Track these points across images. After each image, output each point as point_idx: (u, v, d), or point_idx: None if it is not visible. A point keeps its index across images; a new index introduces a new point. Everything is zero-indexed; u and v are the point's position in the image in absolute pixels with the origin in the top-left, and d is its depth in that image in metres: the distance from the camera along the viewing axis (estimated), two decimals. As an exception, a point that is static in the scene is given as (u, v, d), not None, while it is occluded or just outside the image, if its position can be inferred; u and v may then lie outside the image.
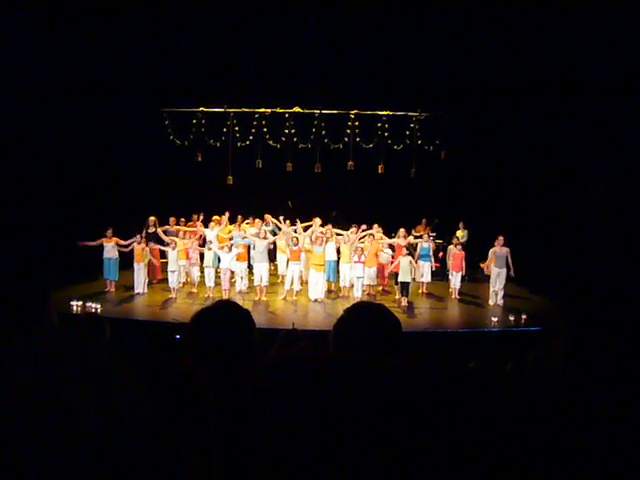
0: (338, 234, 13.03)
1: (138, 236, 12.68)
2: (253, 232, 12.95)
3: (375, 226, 13.83)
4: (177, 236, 13.15)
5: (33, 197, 11.46)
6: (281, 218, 13.31)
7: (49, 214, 11.78)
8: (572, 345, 1.30)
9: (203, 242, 13.50)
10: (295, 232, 12.82)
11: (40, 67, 11.03)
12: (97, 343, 0.87)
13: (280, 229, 13.39)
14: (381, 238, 13.16)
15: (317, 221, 13.37)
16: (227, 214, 13.59)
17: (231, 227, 14.00)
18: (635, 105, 10.30)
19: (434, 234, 14.66)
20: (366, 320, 1.92)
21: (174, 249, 12.46)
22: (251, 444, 1.08)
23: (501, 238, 12.36)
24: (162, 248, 12.93)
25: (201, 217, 14.14)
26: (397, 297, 12.63)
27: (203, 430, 1.18)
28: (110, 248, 12.54)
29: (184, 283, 13.17)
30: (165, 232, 13.47)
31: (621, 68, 10.25)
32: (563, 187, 12.70)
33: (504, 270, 12.31)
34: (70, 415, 0.71)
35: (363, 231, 12.95)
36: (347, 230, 13.78)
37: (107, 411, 0.76)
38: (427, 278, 13.34)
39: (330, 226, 13.22)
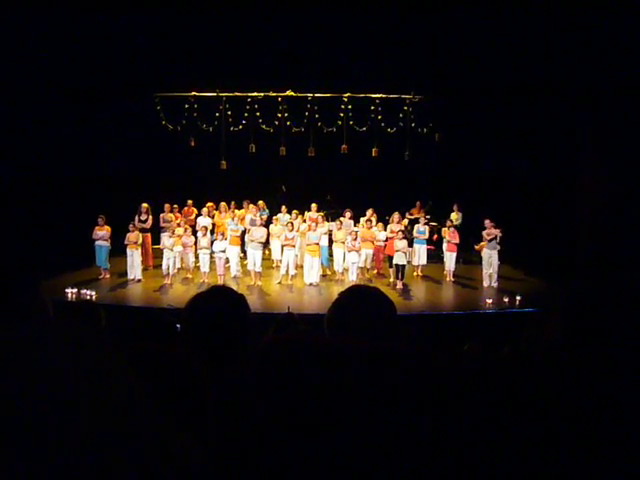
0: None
1: (131, 224, 12.69)
2: (249, 219, 13.01)
3: (369, 211, 13.87)
4: (172, 223, 13.25)
5: (22, 188, 11.40)
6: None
7: (38, 204, 11.74)
8: (566, 326, 1.31)
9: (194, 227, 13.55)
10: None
11: (29, 53, 10.91)
12: (92, 331, 0.86)
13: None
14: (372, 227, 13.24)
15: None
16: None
17: (242, 211, 14.14)
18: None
19: (428, 217, 14.68)
20: (361, 303, 1.93)
21: (171, 236, 12.50)
22: (248, 430, 1.08)
23: (487, 221, 12.43)
24: (164, 235, 12.97)
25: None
26: (392, 280, 12.67)
27: (200, 417, 1.19)
28: (102, 235, 12.51)
29: (179, 269, 13.17)
30: (163, 219, 13.63)
31: (620, 60, 10.23)
32: (557, 168, 12.69)
33: (495, 252, 12.38)
34: (66, 406, 0.71)
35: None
36: (341, 213, 13.89)
37: (103, 401, 0.76)
38: (423, 261, 13.40)
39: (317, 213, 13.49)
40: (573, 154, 12.51)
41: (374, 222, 13.48)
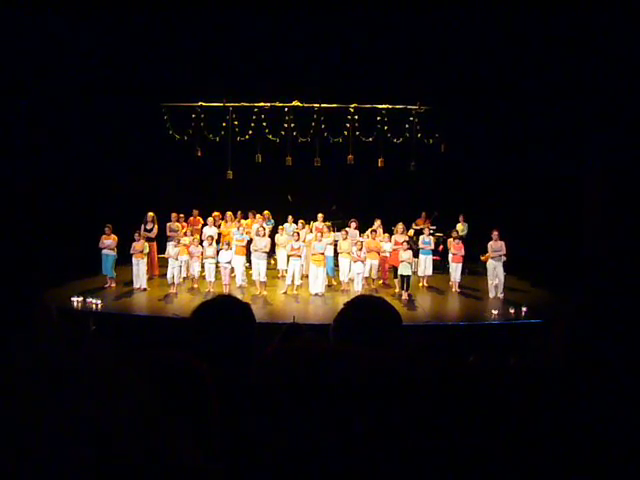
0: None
1: (137, 233, 12.72)
2: (255, 229, 13.04)
3: (377, 222, 13.87)
4: (179, 232, 13.34)
5: (29, 196, 11.46)
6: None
7: (44, 211, 11.80)
8: (571, 337, 1.30)
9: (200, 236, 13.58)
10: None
11: (40, 63, 11.00)
12: (98, 338, 0.87)
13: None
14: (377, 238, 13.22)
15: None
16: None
17: (248, 221, 14.17)
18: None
19: (434, 227, 14.67)
20: (366, 313, 1.92)
21: (177, 246, 12.53)
22: (254, 438, 1.08)
23: (495, 233, 12.39)
24: (170, 244, 12.99)
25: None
26: (397, 290, 12.64)
27: (204, 424, 1.19)
28: (108, 244, 12.54)
29: (184, 278, 13.18)
30: (169, 228, 13.69)
31: (621, 66, 10.24)
32: (562, 179, 12.68)
33: (500, 263, 12.33)
34: (70, 411, 0.71)
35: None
36: (346, 223, 13.89)
37: (108, 406, 0.76)
38: (428, 271, 13.37)
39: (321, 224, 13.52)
40: (580, 164, 12.49)
41: (380, 233, 13.49)
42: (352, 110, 14.56)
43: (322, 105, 14.48)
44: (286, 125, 14.58)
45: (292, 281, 12.44)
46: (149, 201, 14.20)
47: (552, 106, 12.27)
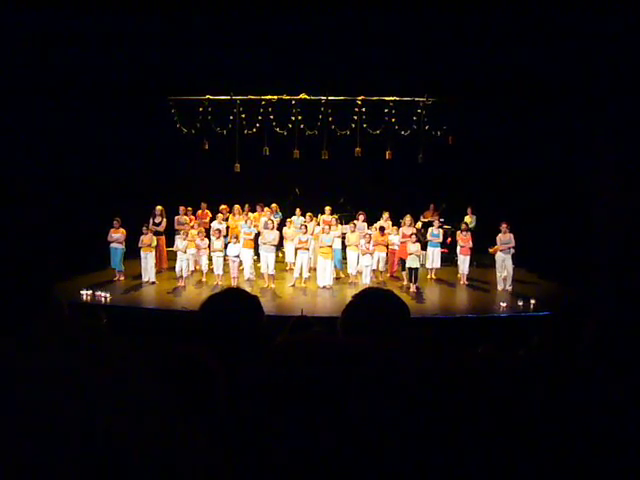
0: None
1: (145, 226, 12.78)
2: (263, 222, 13.05)
3: (385, 215, 13.85)
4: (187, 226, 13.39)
5: (35, 189, 11.49)
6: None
7: (53, 205, 11.82)
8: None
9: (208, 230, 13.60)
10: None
11: (44, 55, 11.02)
12: (108, 331, 0.87)
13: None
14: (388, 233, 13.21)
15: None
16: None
17: (256, 214, 14.17)
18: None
19: (442, 220, 14.63)
20: (374, 306, 1.93)
21: (185, 239, 12.56)
22: (262, 430, 1.09)
23: (505, 225, 12.35)
24: (178, 238, 13.01)
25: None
26: (405, 283, 12.64)
27: (213, 416, 1.19)
28: (117, 238, 12.59)
29: (193, 271, 13.22)
30: (177, 222, 13.75)
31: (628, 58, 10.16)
32: (572, 171, 12.59)
33: (509, 256, 12.30)
34: (82, 402, 0.71)
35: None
36: (354, 216, 13.87)
37: (119, 399, 0.76)
38: (436, 264, 13.35)
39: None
40: (590, 155, 12.39)
41: (389, 226, 13.47)
42: (359, 102, 14.49)
43: (329, 98, 14.43)
44: (293, 118, 14.54)
45: (300, 274, 12.46)
46: (157, 194, 14.22)
47: (561, 95, 12.18)
